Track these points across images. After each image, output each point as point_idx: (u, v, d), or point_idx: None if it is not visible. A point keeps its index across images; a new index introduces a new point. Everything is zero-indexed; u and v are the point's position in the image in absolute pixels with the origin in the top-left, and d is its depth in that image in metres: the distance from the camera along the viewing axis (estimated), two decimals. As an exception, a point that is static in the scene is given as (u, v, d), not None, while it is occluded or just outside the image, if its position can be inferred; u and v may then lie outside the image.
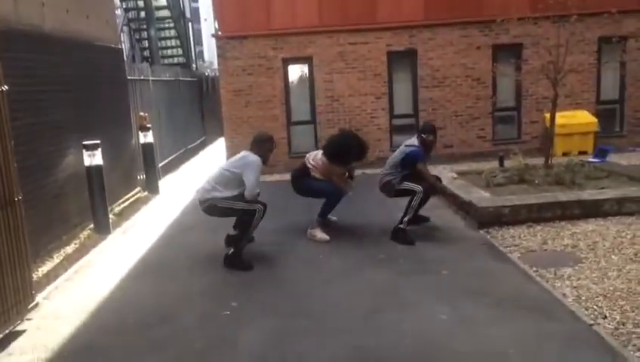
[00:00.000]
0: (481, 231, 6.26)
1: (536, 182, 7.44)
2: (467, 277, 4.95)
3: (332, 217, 6.78)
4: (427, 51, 11.47)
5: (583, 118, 11.09)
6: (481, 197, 6.92)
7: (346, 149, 6.33)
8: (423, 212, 6.56)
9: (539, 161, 8.55)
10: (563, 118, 10.56)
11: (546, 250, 5.59)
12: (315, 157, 6.54)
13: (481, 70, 11.47)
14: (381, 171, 6.60)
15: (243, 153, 5.75)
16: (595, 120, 11.07)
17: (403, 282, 4.91)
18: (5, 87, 4.34)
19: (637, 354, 3.52)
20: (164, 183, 10.57)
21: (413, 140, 6.40)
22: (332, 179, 6.42)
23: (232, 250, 5.56)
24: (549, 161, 8.26)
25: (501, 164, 8.91)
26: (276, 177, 10.72)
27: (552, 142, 8.76)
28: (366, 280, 5.00)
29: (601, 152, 9.71)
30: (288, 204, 7.92)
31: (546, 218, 6.38)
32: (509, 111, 11.88)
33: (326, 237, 6.29)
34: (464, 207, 6.87)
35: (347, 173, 6.63)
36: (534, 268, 5.05)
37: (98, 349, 4.02)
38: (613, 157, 9.74)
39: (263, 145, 5.75)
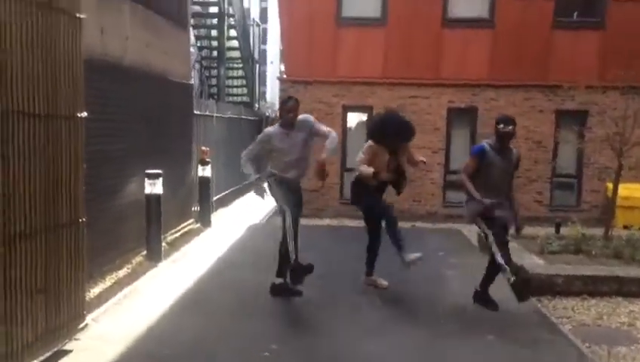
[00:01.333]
0: (532, 299, 6.05)
1: (594, 253, 7.19)
2: (514, 345, 4.77)
3: (383, 281, 6.28)
4: (488, 110, 11.42)
5: (648, 192, 10.68)
6: (534, 263, 6.74)
7: (383, 125, 6.21)
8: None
9: (597, 231, 8.26)
10: (627, 189, 10.20)
11: (599, 325, 5.37)
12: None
13: (543, 134, 11.32)
14: None
15: None
16: (660, 195, 10.64)
17: (447, 343, 4.78)
18: (85, 114, 4.63)
19: None
20: (216, 217, 10.80)
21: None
22: (376, 176, 5.89)
23: (278, 281, 5.73)
24: (609, 233, 7.97)
25: (557, 231, 8.65)
26: (326, 221, 10.80)
27: (613, 214, 8.47)
28: (409, 337, 4.89)
29: (664, 230, 9.29)
30: (337, 248, 7.94)
31: (602, 292, 6.13)
32: (569, 178, 11.62)
33: (385, 283, 6.22)
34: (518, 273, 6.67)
35: (396, 167, 6.11)
36: (587, 344, 4.84)
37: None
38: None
39: (280, 108, 5.96)
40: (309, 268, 5.44)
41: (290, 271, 5.56)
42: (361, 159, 6.08)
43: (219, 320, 5.26)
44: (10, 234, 3.75)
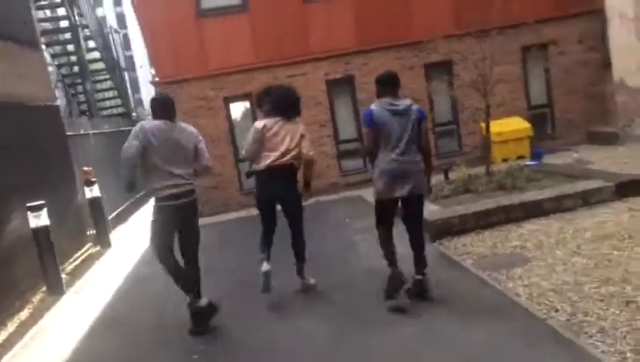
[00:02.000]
0: (434, 244, 6.45)
1: (480, 190, 7.74)
2: (426, 289, 5.08)
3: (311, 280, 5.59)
4: (363, 76, 11.79)
5: (517, 124, 11.59)
6: (430, 210, 7.13)
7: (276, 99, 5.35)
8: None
9: (481, 170, 8.89)
10: (498, 126, 11.03)
11: (496, 253, 5.82)
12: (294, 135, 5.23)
13: (417, 89, 11.83)
14: (397, 156, 4.74)
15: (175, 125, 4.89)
16: (528, 125, 11.58)
17: (363, 301, 4.98)
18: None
19: (589, 340, 3.73)
20: (115, 236, 10.37)
21: (404, 100, 4.98)
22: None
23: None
24: (490, 169, 8.60)
25: (446, 177, 9.21)
26: (232, 215, 10.72)
27: (490, 151, 9.14)
28: (332, 314, 4.93)
29: (535, 155, 10.19)
30: (247, 239, 7.92)
31: (493, 223, 6.64)
32: (448, 125, 12.32)
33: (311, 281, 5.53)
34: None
35: None
36: (487, 272, 5.24)
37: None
38: (548, 158, 10.24)
39: (166, 105, 4.93)
40: (213, 309, 4.93)
41: (193, 316, 4.92)
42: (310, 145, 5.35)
43: (138, 337, 5.11)
44: None
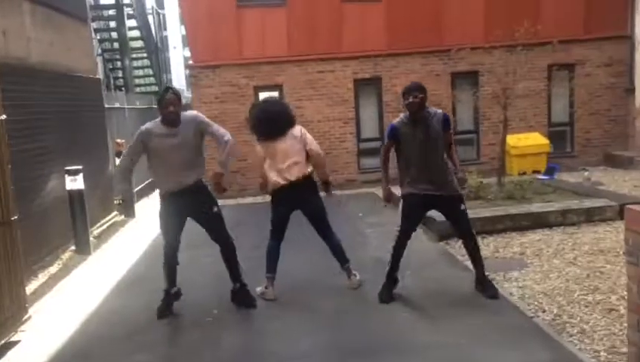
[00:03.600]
0: (441, 243, 6.81)
1: (490, 198, 8.08)
2: (427, 281, 5.47)
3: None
4: (391, 78, 12.16)
5: (536, 139, 11.84)
6: (439, 214, 7.46)
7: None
8: None
9: (495, 180, 9.19)
10: (517, 139, 11.31)
11: (497, 257, 6.18)
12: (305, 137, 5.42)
13: (441, 96, 12.18)
14: None
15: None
16: (546, 141, 11.83)
17: (368, 286, 5.38)
18: (4, 116, 4.75)
19: (569, 339, 4.09)
20: (139, 207, 10.88)
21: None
22: None
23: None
24: (502, 179, 8.91)
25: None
26: (249, 200, 11.16)
27: (504, 162, 9.43)
28: (333, 293, 5.41)
29: (549, 170, 10.47)
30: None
31: (498, 229, 6.99)
32: (469, 134, 12.63)
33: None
34: (425, 222, 7.41)
35: None
36: (486, 273, 5.58)
37: (92, 355, 4.41)
38: (563, 176, 10.50)
39: (157, 103, 4.85)
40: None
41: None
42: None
43: (153, 296, 5.34)
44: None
